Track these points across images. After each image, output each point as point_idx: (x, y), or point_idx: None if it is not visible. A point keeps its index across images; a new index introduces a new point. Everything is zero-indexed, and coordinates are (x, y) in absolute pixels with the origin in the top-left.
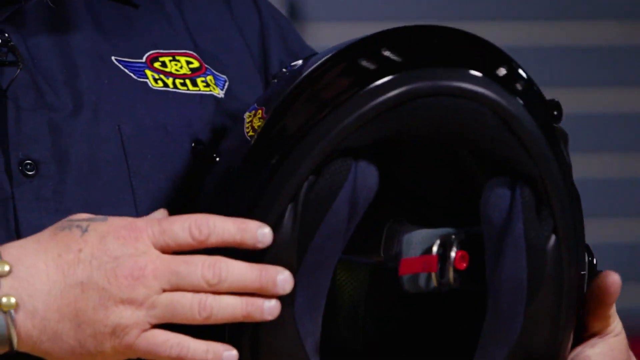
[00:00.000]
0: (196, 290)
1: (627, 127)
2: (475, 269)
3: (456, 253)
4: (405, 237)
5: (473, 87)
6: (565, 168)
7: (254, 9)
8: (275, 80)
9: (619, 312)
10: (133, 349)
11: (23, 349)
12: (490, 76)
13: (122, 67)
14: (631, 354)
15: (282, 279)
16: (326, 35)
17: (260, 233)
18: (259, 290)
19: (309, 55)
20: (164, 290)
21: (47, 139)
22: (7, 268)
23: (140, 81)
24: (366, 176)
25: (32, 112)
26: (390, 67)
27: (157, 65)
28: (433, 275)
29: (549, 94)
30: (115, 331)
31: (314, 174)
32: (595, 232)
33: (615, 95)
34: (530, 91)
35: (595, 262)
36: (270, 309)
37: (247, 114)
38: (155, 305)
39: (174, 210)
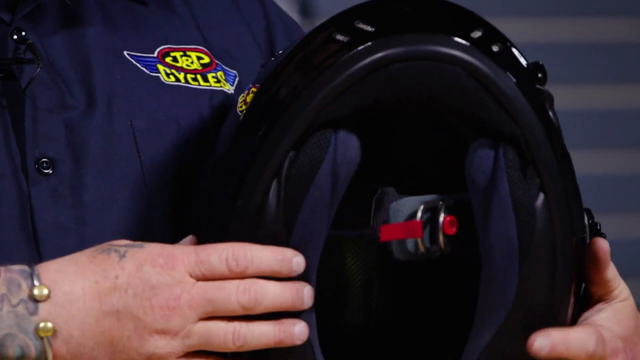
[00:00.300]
0: (233, 315)
1: (634, 123)
2: (466, 235)
3: (444, 218)
4: (392, 206)
5: (445, 50)
6: (551, 128)
7: (260, 6)
8: (263, 69)
9: None
10: None
11: None
12: (464, 38)
13: (134, 62)
14: None
15: (307, 292)
16: None
17: (295, 262)
18: (291, 308)
19: None
20: (200, 319)
21: (63, 138)
22: (45, 292)
23: (152, 76)
24: (347, 147)
25: (49, 111)
26: (363, 37)
27: (168, 60)
28: (419, 240)
29: (558, 90)
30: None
31: (294, 149)
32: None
33: (622, 92)
34: (508, 53)
35: (598, 225)
36: (300, 333)
37: (241, 96)
38: (190, 335)
39: (184, 203)
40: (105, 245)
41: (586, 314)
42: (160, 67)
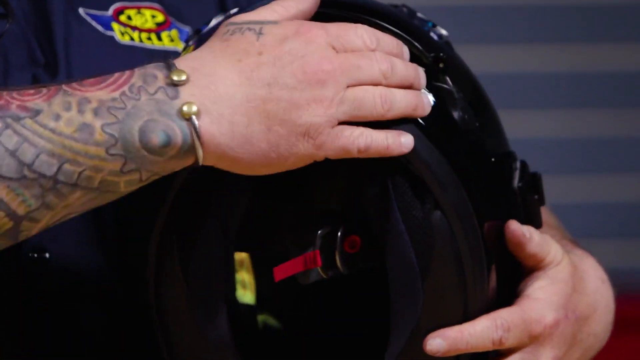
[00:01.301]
0: (375, 83)
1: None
2: (373, 246)
3: (344, 240)
4: (293, 235)
5: None
6: (447, 131)
7: None
8: (195, 36)
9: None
10: (324, 147)
11: (210, 158)
12: None
13: (89, 20)
14: (584, 275)
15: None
16: None
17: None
18: (416, 80)
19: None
20: (348, 87)
21: None
22: (184, 77)
23: (107, 35)
24: (232, 205)
25: (20, 66)
26: None
27: (122, 18)
28: (319, 269)
29: (545, 50)
30: (309, 131)
31: None
32: (589, 190)
33: (609, 53)
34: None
35: (537, 176)
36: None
37: (182, 52)
38: (344, 102)
39: None
40: (230, 26)
41: (521, 286)
42: (115, 26)
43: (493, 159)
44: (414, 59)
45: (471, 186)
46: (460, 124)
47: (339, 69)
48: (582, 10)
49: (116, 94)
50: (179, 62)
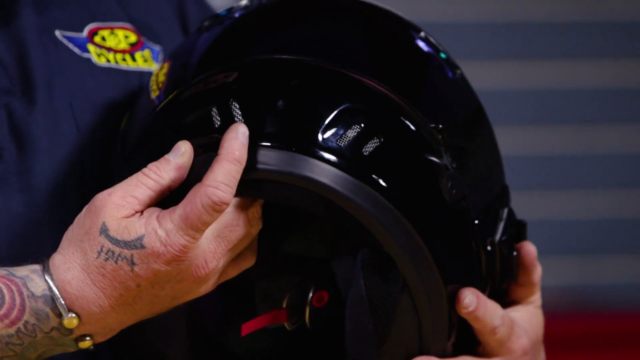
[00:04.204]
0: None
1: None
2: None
3: (312, 296)
4: (262, 290)
5: (298, 172)
6: (430, 205)
7: None
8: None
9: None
10: (226, 274)
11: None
12: (327, 150)
13: (66, 43)
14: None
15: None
16: None
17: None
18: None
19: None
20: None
21: (5, 124)
22: (75, 322)
23: (84, 57)
24: None
25: None
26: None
27: (97, 39)
28: (285, 323)
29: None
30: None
31: None
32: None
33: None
34: (383, 146)
35: (523, 223)
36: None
37: (155, 70)
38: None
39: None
40: (103, 253)
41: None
42: (91, 48)
43: (477, 222)
44: (414, 128)
45: (445, 260)
46: (446, 199)
47: (213, 265)
48: (546, 27)
49: (12, 330)
50: (65, 297)
